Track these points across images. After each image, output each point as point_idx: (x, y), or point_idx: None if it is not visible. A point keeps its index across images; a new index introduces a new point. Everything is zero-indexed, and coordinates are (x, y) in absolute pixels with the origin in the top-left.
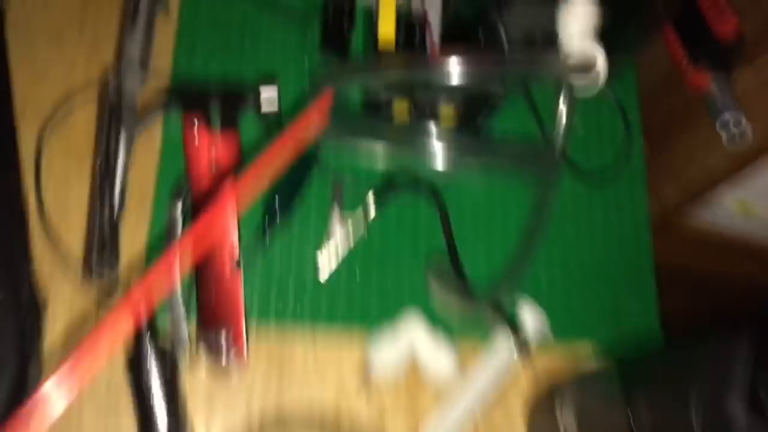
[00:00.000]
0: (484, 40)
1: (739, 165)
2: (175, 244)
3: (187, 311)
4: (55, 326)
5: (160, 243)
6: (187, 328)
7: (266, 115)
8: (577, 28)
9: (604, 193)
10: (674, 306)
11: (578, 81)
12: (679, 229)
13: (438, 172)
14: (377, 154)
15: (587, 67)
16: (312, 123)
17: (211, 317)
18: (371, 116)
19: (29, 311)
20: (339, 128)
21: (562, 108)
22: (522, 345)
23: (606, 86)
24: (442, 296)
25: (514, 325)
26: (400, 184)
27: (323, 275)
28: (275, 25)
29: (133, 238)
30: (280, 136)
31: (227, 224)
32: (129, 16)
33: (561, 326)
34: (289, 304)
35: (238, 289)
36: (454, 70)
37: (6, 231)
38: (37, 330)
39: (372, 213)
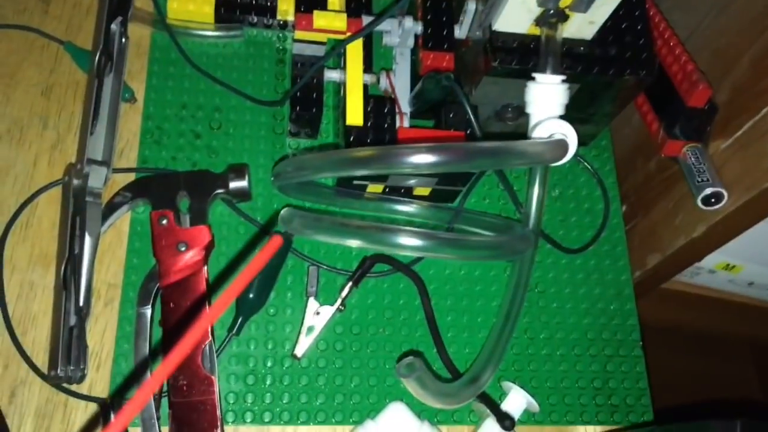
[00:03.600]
0: (452, 117)
1: (720, 231)
2: (151, 380)
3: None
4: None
5: (128, 344)
6: None
7: (237, 205)
8: (546, 106)
9: (585, 264)
10: (663, 364)
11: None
12: (664, 290)
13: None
14: (350, 244)
15: (558, 153)
16: (264, 262)
17: (186, 428)
18: (344, 192)
19: None
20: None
21: (536, 186)
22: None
23: (581, 154)
24: (420, 395)
25: (500, 413)
26: (377, 267)
27: (300, 362)
28: (244, 111)
29: (101, 339)
30: (233, 283)
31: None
32: (90, 111)
33: (550, 408)
34: (265, 404)
35: (213, 393)
36: (421, 162)
37: None
38: None
39: (347, 299)
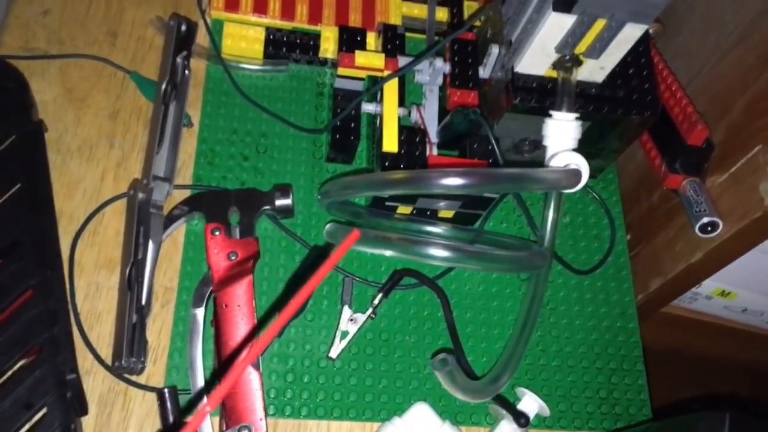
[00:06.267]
0: (476, 148)
1: (716, 257)
2: (210, 398)
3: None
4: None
5: (182, 341)
6: (211, 428)
7: (282, 221)
8: (561, 140)
9: (593, 285)
10: (663, 384)
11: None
12: (664, 314)
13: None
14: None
15: (572, 181)
16: (342, 255)
17: (234, 415)
18: (376, 212)
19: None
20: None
21: (551, 210)
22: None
23: (590, 185)
24: (448, 387)
25: (516, 412)
26: (405, 281)
27: (334, 363)
28: (287, 137)
29: (158, 336)
30: (306, 283)
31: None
32: (157, 133)
33: (559, 414)
34: (302, 400)
35: (258, 388)
36: (451, 184)
37: (53, 326)
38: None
39: (378, 308)
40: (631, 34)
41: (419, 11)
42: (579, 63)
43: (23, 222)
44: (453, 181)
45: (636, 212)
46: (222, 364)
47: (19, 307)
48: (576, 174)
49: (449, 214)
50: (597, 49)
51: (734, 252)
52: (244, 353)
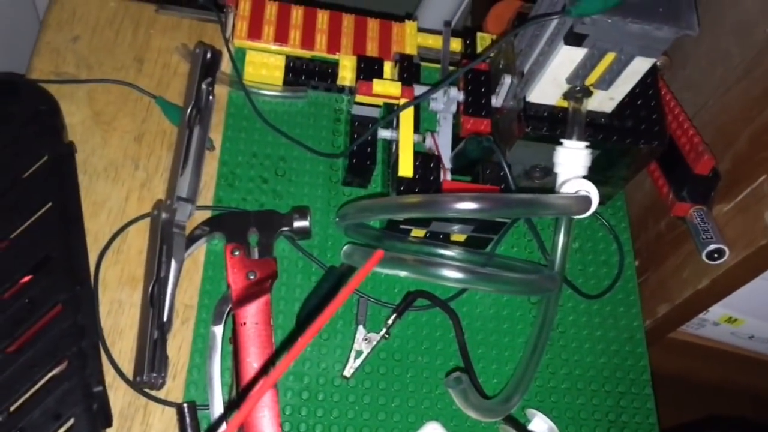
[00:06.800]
0: (488, 174)
1: (722, 284)
2: (274, 373)
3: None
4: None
5: (201, 357)
6: None
7: (299, 242)
8: (571, 167)
9: (602, 309)
10: (670, 409)
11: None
12: (672, 339)
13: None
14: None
15: (582, 207)
16: (368, 272)
17: (253, 427)
18: (391, 235)
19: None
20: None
21: (561, 235)
22: None
23: (599, 212)
24: (461, 405)
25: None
26: (419, 302)
27: (348, 382)
28: (305, 161)
29: (177, 353)
30: (332, 301)
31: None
32: (181, 156)
33: None
34: (317, 417)
35: (275, 406)
36: (465, 208)
37: (81, 339)
38: None
39: (391, 329)
40: (639, 66)
41: (434, 42)
42: (589, 94)
43: (54, 239)
44: (466, 206)
45: (644, 239)
46: (240, 382)
47: (49, 321)
48: (586, 200)
49: (461, 237)
50: (606, 81)
51: (740, 279)
52: (262, 380)
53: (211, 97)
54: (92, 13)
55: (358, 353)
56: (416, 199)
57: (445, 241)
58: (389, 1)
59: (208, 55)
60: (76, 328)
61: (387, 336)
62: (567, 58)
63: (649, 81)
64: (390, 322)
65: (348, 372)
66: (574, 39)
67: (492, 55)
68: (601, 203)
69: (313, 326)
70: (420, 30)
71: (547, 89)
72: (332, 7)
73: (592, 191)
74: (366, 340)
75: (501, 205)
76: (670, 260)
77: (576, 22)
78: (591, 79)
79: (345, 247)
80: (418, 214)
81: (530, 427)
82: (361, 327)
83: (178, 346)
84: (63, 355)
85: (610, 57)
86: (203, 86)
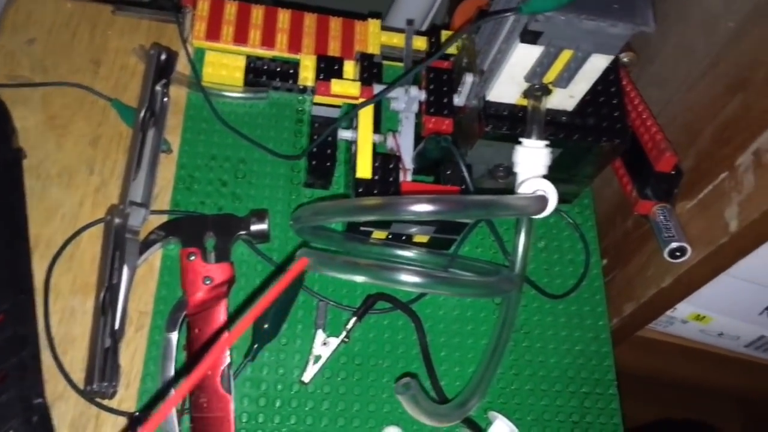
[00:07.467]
0: (449, 174)
1: (685, 282)
2: (176, 392)
3: None
4: None
5: (155, 365)
6: None
7: (258, 246)
8: (531, 167)
9: (567, 309)
10: (636, 408)
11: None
12: (640, 338)
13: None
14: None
15: (539, 207)
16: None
17: None
18: (351, 237)
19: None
20: (323, 263)
21: (522, 235)
22: None
23: (565, 210)
24: (411, 411)
25: None
26: (380, 305)
27: (307, 387)
28: (266, 163)
29: (131, 361)
30: (259, 301)
31: (219, 356)
32: (134, 160)
33: None
34: (274, 424)
35: (229, 411)
36: (421, 210)
37: (22, 350)
38: None
39: (351, 333)
40: (597, 64)
41: (398, 40)
42: (548, 92)
43: None
44: (422, 208)
45: (612, 237)
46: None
47: None
48: (543, 200)
49: (424, 238)
50: (565, 79)
51: (703, 277)
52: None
53: (165, 99)
54: (48, 15)
55: (317, 358)
56: (371, 201)
57: (408, 242)
58: (362, 1)
59: (163, 57)
60: (17, 339)
61: (347, 340)
62: (523, 56)
63: (612, 78)
64: (350, 325)
65: (307, 377)
66: (530, 37)
67: (455, 51)
68: (567, 201)
69: (233, 332)
70: (385, 29)
71: (506, 88)
72: (301, 8)
73: (550, 191)
74: (325, 344)
75: (456, 208)
76: (636, 258)
77: (530, 19)
78: (549, 77)
79: (299, 251)
80: (373, 216)
81: (491, 430)
82: (320, 331)
83: (132, 354)
84: (1, 367)
85: (567, 54)
86: (158, 88)
